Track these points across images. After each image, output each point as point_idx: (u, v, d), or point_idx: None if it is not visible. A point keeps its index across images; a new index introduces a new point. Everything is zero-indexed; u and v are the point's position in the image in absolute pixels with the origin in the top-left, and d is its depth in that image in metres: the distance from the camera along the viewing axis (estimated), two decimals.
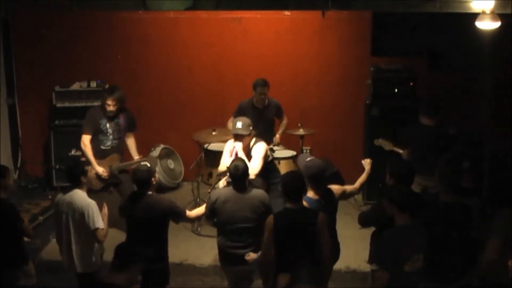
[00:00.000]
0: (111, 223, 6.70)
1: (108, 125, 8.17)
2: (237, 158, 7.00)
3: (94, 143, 8.17)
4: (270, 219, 5.86)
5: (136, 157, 8.29)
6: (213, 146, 9.03)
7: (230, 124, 9.14)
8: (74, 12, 9.57)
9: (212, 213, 6.48)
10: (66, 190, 6.54)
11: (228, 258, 6.45)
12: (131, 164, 8.10)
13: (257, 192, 6.50)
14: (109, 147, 8.22)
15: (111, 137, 8.20)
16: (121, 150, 8.39)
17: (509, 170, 6.86)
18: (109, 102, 8.07)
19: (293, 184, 5.91)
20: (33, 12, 9.67)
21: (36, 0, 8.21)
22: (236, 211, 6.31)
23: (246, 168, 6.48)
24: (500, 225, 5.69)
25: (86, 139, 8.11)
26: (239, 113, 9.16)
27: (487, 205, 6.22)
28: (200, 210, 6.80)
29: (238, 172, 6.37)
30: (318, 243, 5.76)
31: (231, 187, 6.52)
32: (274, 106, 9.22)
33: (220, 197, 6.40)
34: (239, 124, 7.41)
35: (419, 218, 5.64)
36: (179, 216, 6.57)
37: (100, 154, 8.13)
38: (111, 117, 8.16)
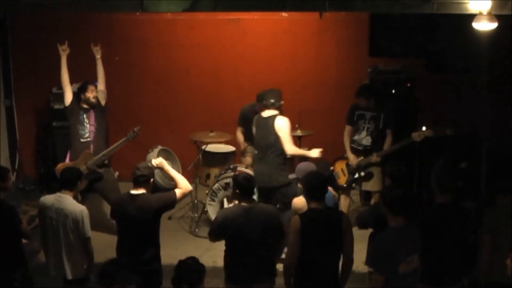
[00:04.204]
0: (94, 226, 6.59)
1: (84, 115, 8.45)
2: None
3: (74, 136, 8.46)
4: (296, 220, 5.78)
5: None
6: (211, 148, 9.03)
7: (239, 135, 9.16)
8: (71, 13, 9.56)
9: (219, 233, 6.20)
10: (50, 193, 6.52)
11: (238, 276, 6.16)
12: (106, 153, 8.33)
13: (267, 207, 6.33)
14: (87, 139, 8.42)
15: (88, 126, 8.41)
16: (100, 143, 8.51)
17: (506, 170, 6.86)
18: (92, 87, 8.50)
19: (317, 183, 5.87)
20: (30, 14, 9.65)
21: (34, 2, 8.19)
22: (248, 228, 6.03)
23: (252, 177, 6.40)
24: (491, 222, 5.73)
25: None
26: (242, 120, 9.18)
27: (483, 206, 6.23)
28: (183, 180, 6.60)
29: (249, 182, 6.21)
30: (343, 242, 5.80)
31: (237, 204, 6.33)
32: None
33: (229, 217, 6.12)
34: None
35: (415, 219, 5.65)
36: (171, 203, 6.47)
37: (78, 149, 8.36)
38: (86, 110, 8.45)
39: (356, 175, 8.43)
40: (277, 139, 7.92)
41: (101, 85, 8.73)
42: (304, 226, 5.73)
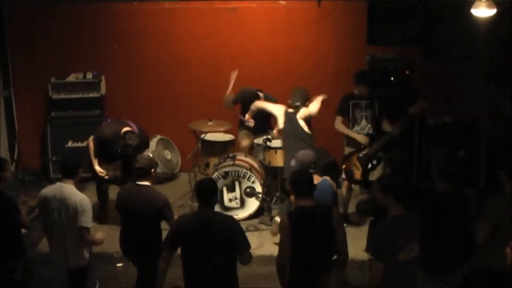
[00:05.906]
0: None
1: None
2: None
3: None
4: (285, 220, 5.67)
5: None
6: (210, 137, 9.03)
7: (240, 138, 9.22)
8: (69, 3, 9.54)
9: (174, 244, 5.76)
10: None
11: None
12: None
13: (228, 219, 5.85)
14: None
15: None
16: None
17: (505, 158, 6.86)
18: (130, 134, 8.30)
19: (302, 180, 5.76)
20: (28, 4, 9.63)
21: None
22: (207, 244, 5.58)
23: (214, 184, 5.94)
24: (489, 211, 5.72)
25: (91, 140, 8.49)
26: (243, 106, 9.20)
27: (483, 194, 6.23)
28: None
29: (205, 186, 5.77)
30: (334, 238, 5.71)
31: (196, 212, 6.09)
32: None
33: (184, 227, 5.71)
34: None
35: (415, 207, 5.65)
36: (166, 219, 6.32)
37: (108, 158, 8.41)
38: None
39: (370, 165, 8.38)
40: None
41: None
42: (293, 225, 5.61)
